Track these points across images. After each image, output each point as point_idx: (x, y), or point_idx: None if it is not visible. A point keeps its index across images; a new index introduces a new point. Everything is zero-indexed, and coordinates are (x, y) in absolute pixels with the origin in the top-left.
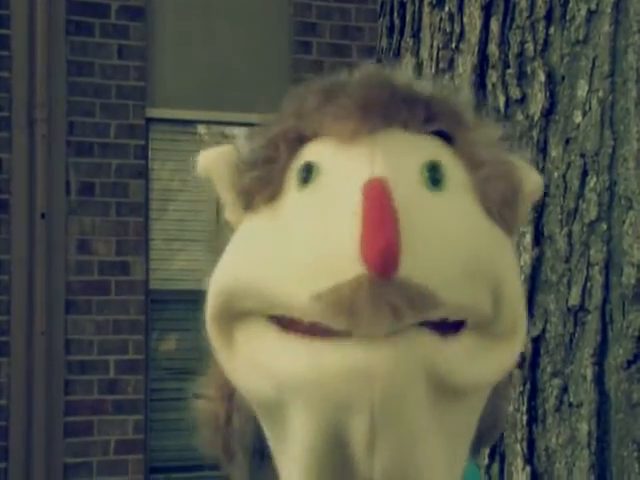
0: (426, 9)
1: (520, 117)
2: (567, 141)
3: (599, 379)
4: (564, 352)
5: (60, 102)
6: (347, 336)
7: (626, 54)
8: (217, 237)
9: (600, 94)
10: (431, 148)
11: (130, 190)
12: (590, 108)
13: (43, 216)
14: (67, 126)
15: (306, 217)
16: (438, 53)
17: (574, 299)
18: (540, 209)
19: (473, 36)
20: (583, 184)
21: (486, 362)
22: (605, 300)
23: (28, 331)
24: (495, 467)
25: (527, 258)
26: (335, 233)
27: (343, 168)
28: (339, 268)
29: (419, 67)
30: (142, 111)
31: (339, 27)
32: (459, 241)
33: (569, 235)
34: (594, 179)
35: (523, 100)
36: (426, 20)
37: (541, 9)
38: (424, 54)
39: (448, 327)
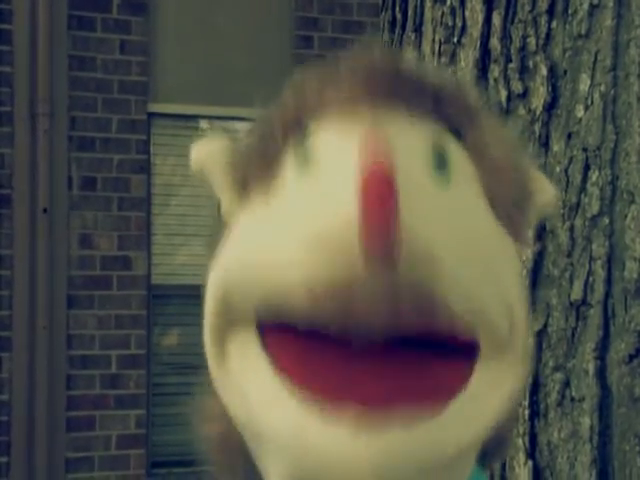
0: (428, 3)
1: (522, 111)
2: (569, 135)
3: (601, 373)
4: (566, 346)
5: (62, 97)
6: (345, 338)
7: (628, 48)
8: (218, 232)
9: (602, 88)
10: (438, 136)
11: (132, 185)
12: (592, 102)
13: (45, 211)
14: (69, 121)
15: (302, 198)
16: (440, 47)
17: (576, 293)
18: None
19: (475, 30)
20: (585, 178)
21: (499, 399)
22: (607, 294)
23: (30, 326)
24: None
25: (529, 252)
26: (333, 222)
27: (341, 154)
28: (337, 259)
29: (421, 61)
30: (144, 106)
31: (341, 22)
32: (465, 239)
33: (571, 229)
34: (596, 173)
35: (525, 94)
36: (428, 14)
37: (543, 3)
38: (426, 48)
39: (459, 352)
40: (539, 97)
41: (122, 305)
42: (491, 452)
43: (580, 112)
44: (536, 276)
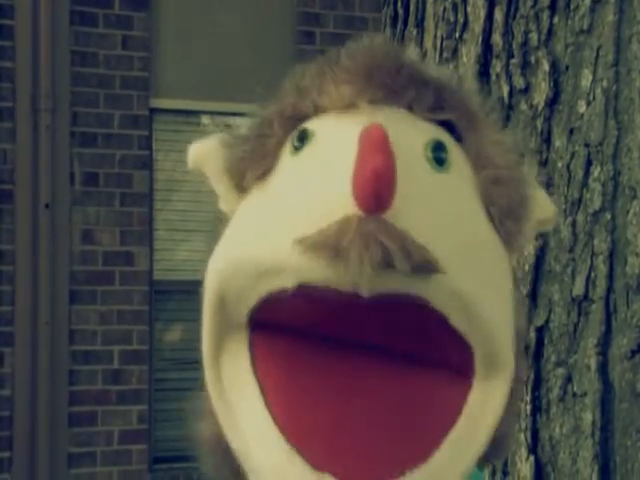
0: None
1: (524, 107)
2: (571, 131)
3: (603, 369)
4: (568, 342)
5: (64, 92)
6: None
7: (630, 44)
8: (218, 229)
9: (604, 84)
10: (437, 131)
11: (134, 180)
12: (594, 98)
13: (47, 206)
14: (71, 116)
15: (298, 178)
16: (442, 43)
17: (578, 289)
18: None
19: (477, 26)
20: (587, 174)
21: (492, 411)
22: (609, 290)
23: (32, 321)
24: None
25: (531, 248)
26: (325, 181)
27: (340, 129)
28: (327, 211)
29: (423, 57)
30: (146, 101)
31: (343, 17)
32: (458, 224)
33: (573, 225)
34: (598, 169)
35: (527, 90)
36: (430, 10)
37: None
38: (428, 44)
39: (454, 367)
40: (541, 93)
41: (124, 300)
42: (490, 455)
43: (582, 108)
44: (538, 271)
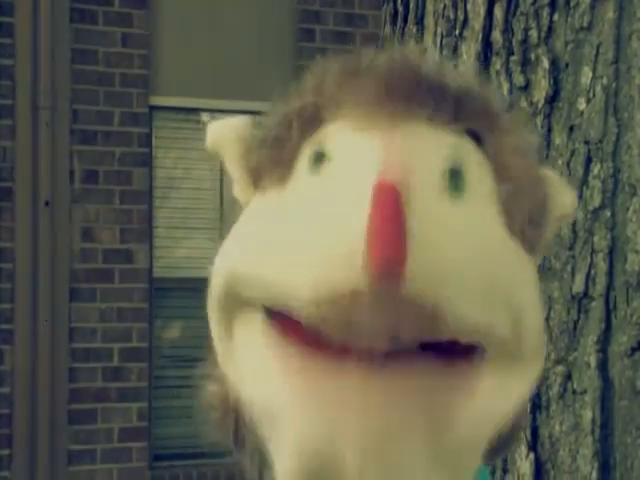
0: None
1: (524, 104)
2: (571, 128)
3: (603, 366)
4: (568, 339)
5: (64, 90)
6: (346, 351)
7: (630, 41)
8: (220, 225)
9: (604, 81)
10: (456, 148)
11: (134, 178)
12: (594, 95)
13: (47, 204)
14: (71, 114)
15: (313, 207)
16: (442, 40)
17: (578, 286)
18: None
19: (477, 23)
20: (587, 171)
21: (505, 399)
22: (609, 287)
23: (32, 319)
24: None
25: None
26: (341, 231)
27: (356, 158)
28: (341, 271)
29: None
30: (146, 99)
31: (343, 15)
32: (474, 256)
33: (573, 222)
34: (598, 166)
35: (527, 87)
36: (430, 7)
37: None
38: (428, 41)
39: (462, 352)
40: (541, 90)
41: (124, 298)
42: (498, 450)
43: (582, 105)
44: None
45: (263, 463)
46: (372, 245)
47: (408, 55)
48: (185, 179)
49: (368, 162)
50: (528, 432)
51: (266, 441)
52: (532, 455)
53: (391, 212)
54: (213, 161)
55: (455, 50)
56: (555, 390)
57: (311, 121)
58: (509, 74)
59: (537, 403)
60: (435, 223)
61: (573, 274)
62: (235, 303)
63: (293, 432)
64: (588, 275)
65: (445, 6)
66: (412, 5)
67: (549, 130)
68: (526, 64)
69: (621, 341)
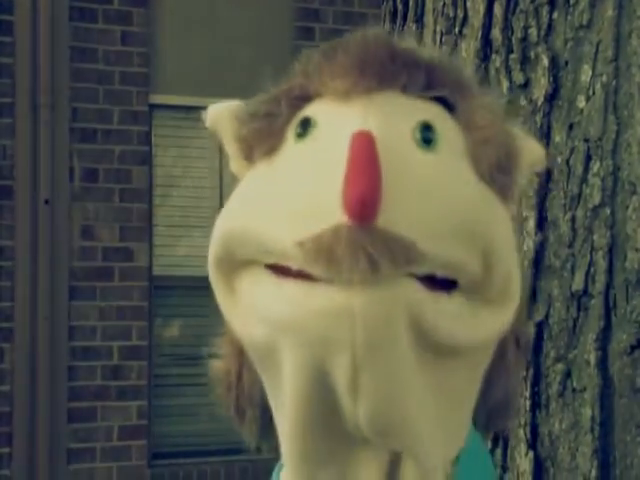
0: None
1: (523, 102)
2: (570, 126)
3: (602, 364)
4: (567, 337)
5: (63, 88)
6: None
7: (630, 39)
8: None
9: (604, 79)
10: (427, 110)
11: (133, 176)
12: (594, 93)
13: (47, 202)
14: (70, 112)
15: (298, 167)
16: (441, 38)
17: (577, 284)
18: (543, 194)
19: (476, 21)
20: (587, 169)
21: (476, 323)
22: (608, 285)
23: (32, 317)
24: (498, 452)
25: (530, 243)
26: (321, 182)
27: (336, 122)
28: (321, 215)
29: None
30: (145, 97)
31: (342, 13)
32: (446, 198)
33: (572, 220)
34: (598, 164)
35: (526, 85)
36: (429, 5)
37: None
38: (427, 39)
39: (438, 284)
40: (540, 88)
41: (123, 296)
42: (495, 416)
43: (581, 103)
44: (537, 267)
45: (261, 431)
46: (349, 183)
47: (382, 32)
48: (185, 177)
49: (347, 124)
50: (528, 430)
51: (268, 385)
52: (532, 453)
53: (365, 151)
54: (213, 159)
55: (455, 48)
56: (555, 388)
57: (299, 99)
58: (509, 72)
59: (537, 401)
60: (409, 169)
61: (573, 272)
62: (232, 264)
63: (292, 354)
64: (588, 273)
65: (444, 4)
66: (411, 3)
67: (549, 128)
68: (526, 62)
69: (621, 339)
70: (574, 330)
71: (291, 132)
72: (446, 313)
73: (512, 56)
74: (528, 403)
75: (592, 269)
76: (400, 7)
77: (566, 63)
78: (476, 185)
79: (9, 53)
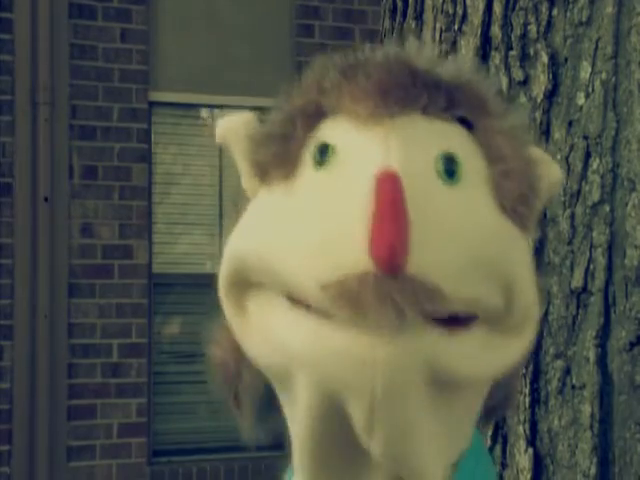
0: None
1: (523, 99)
2: (570, 123)
3: (602, 361)
4: (567, 334)
5: (63, 86)
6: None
7: (629, 36)
8: (219, 221)
9: (603, 76)
10: (449, 137)
11: (133, 174)
12: (593, 90)
13: (46, 200)
14: (70, 110)
15: (318, 200)
16: (441, 35)
17: (577, 281)
18: None
19: (476, 18)
20: (586, 166)
21: (496, 357)
22: (608, 282)
23: (31, 314)
24: (498, 449)
25: (530, 240)
26: (345, 222)
27: (358, 152)
28: (346, 260)
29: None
30: (145, 95)
31: (342, 10)
32: (469, 236)
33: (572, 217)
34: (597, 161)
35: (526, 82)
36: (428, 2)
37: None
38: (427, 36)
39: (458, 321)
40: (540, 85)
41: (123, 294)
42: (494, 411)
43: (581, 100)
44: (537, 264)
45: (258, 417)
46: (377, 232)
47: (403, 51)
48: (184, 175)
49: (369, 155)
50: (527, 427)
51: (279, 392)
52: (531, 450)
53: (393, 198)
54: (212, 157)
55: (454, 45)
56: (554, 385)
57: (314, 117)
58: (508, 69)
59: (536, 398)
60: (432, 207)
61: (572, 269)
62: (244, 284)
63: (306, 388)
64: (587, 270)
65: (444, 1)
66: (411, 0)
67: (548, 125)
68: (525, 59)
69: (620, 336)
70: (573, 327)
71: (308, 156)
72: (467, 354)
73: (511, 53)
74: (527, 400)
75: (591, 266)
76: (400, 4)
77: (565, 60)
78: (498, 219)
79: (8, 50)
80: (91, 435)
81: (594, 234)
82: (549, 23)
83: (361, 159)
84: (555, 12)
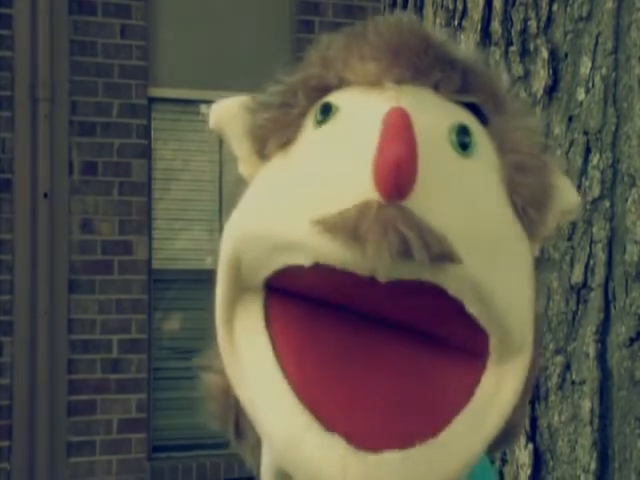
0: None
1: (523, 94)
2: (570, 118)
3: (602, 356)
4: (567, 330)
5: (62, 82)
6: (345, 306)
7: (629, 31)
8: (219, 217)
9: (603, 71)
10: (462, 114)
11: (133, 170)
12: (593, 85)
13: (46, 196)
14: (70, 106)
15: (319, 151)
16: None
17: (577, 277)
18: None
19: (476, 13)
20: (586, 161)
21: (502, 399)
22: (608, 278)
23: (31, 310)
24: None
25: (534, 249)
26: (347, 161)
27: (364, 106)
28: (346, 193)
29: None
30: (144, 91)
31: (342, 6)
32: (476, 208)
33: None
34: (597, 156)
35: (526, 77)
36: None
37: None
38: None
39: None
40: (540, 80)
41: (123, 290)
42: (500, 442)
43: (581, 95)
44: (537, 259)
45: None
46: (383, 150)
47: (416, 24)
48: (184, 171)
49: (377, 107)
50: (527, 422)
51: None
52: (531, 445)
53: (402, 124)
54: (212, 153)
55: (454, 40)
56: (554, 380)
57: (317, 90)
58: (508, 64)
59: (536, 394)
60: (443, 166)
61: (572, 264)
62: (238, 285)
63: (277, 454)
64: (587, 265)
65: None
66: None
67: (548, 120)
68: (525, 54)
69: (620, 331)
70: (573, 323)
71: (309, 121)
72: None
73: (511, 48)
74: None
75: (591, 262)
76: (399, 0)
77: (565, 55)
78: (509, 212)
79: (8, 46)
80: (91, 431)
81: (594, 230)
82: (549, 18)
83: (368, 111)
84: (555, 7)
